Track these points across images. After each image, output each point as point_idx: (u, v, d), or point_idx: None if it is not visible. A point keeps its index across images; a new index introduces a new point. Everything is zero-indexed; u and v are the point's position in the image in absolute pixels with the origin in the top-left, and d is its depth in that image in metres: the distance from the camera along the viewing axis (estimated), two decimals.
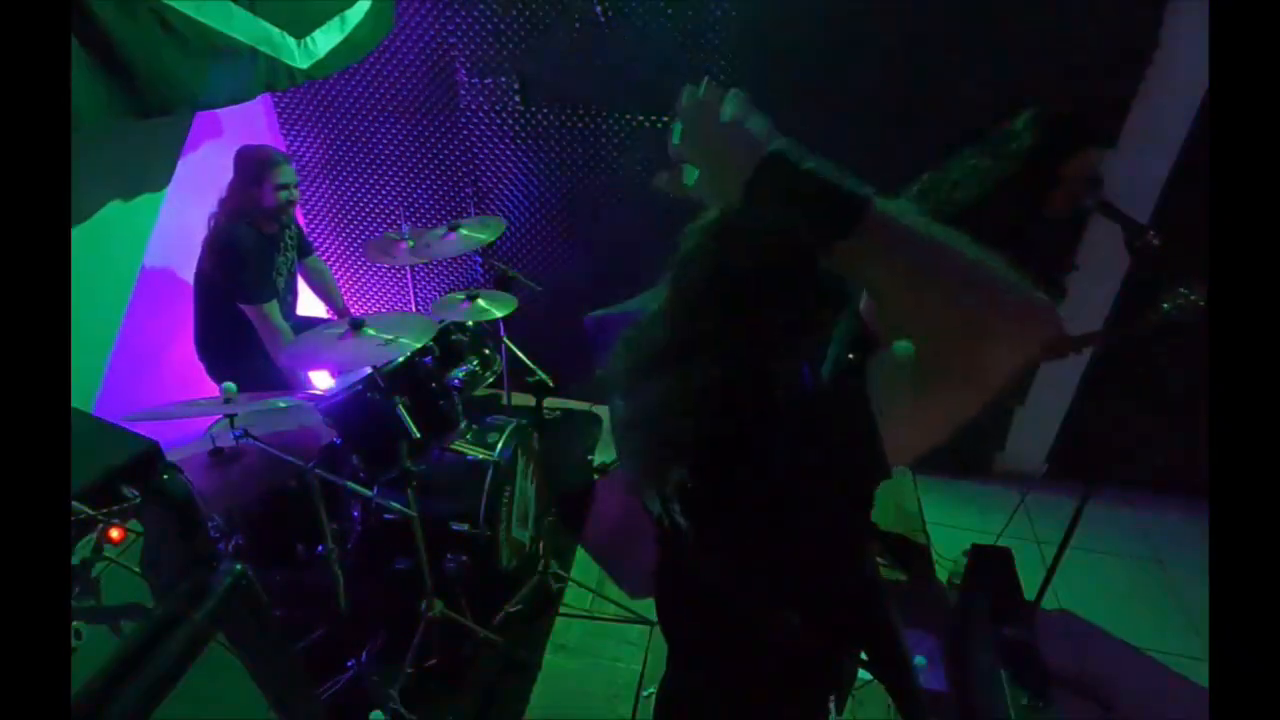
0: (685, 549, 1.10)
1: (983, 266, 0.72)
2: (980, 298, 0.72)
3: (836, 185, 0.75)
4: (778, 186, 0.77)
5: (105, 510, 1.08)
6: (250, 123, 3.06)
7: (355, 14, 2.04)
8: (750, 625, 1.08)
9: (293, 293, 2.77)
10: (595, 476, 3.05)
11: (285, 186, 2.49)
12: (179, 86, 1.55)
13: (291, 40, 1.83)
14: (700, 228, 0.94)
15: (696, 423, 0.92)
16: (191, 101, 1.64)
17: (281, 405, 2.04)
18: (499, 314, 2.48)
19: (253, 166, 2.45)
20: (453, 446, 2.33)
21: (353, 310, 3.54)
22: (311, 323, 2.84)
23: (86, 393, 2.35)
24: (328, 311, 3.10)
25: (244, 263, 2.43)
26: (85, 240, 2.23)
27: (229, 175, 2.51)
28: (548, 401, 2.75)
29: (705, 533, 1.00)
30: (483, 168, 3.07)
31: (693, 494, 0.96)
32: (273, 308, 2.48)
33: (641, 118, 2.80)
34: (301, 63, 1.88)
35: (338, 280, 3.51)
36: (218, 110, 2.88)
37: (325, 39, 1.95)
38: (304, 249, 2.86)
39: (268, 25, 1.74)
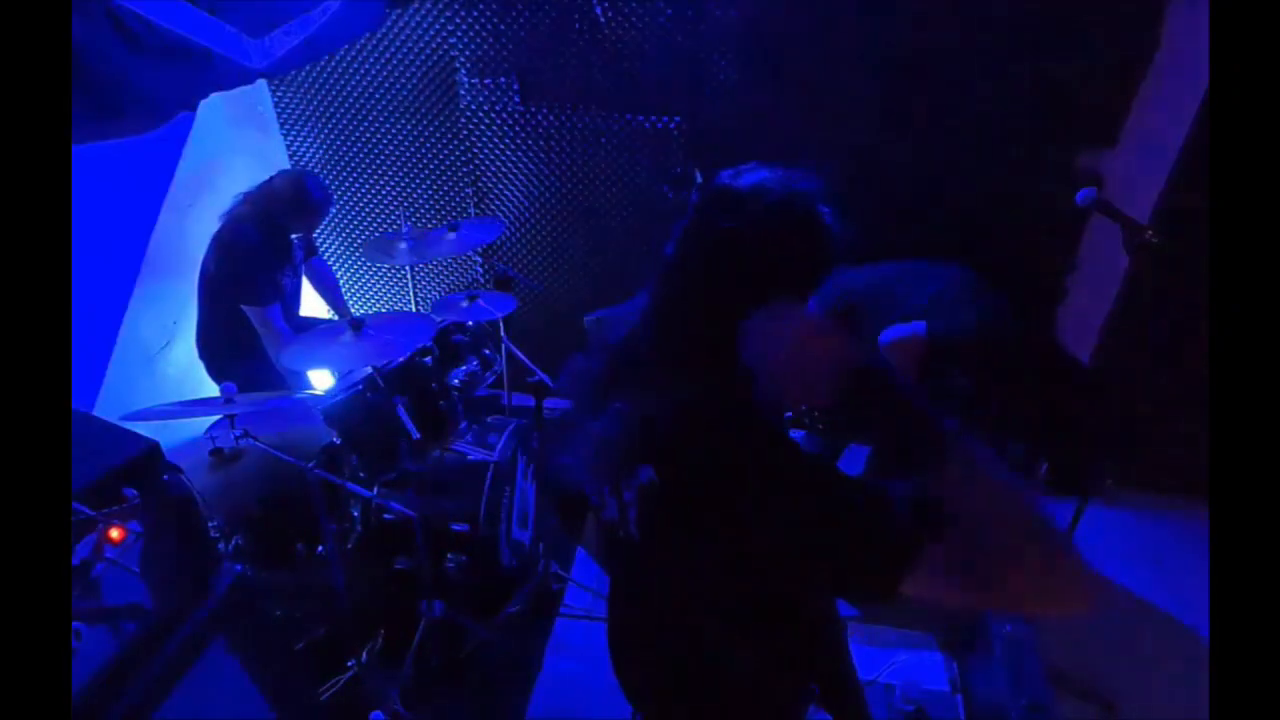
0: (634, 567, 1.07)
1: (1045, 527, 0.74)
2: (1037, 552, 0.73)
3: (926, 412, 0.78)
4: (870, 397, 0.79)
5: (105, 510, 1.08)
6: (251, 123, 3.06)
7: (320, 15, 2.02)
8: (700, 656, 1.05)
9: (298, 294, 2.77)
10: None
11: (311, 231, 2.51)
12: (133, 88, 1.55)
13: (250, 41, 1.82)
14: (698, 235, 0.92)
15: (673, 429, 0.89)
16: (145, 103, 1.64)
17: (281, 405, 2.04)
18: (499, 314, 2.47)
19: (304, 200, 2.45)
20: (453, 446, 2.33)
21: (352, 310, 3.54)
22: (313, 323, 2.84)
23: (86, 393, 2.35)
24: (329, 311, 3.10)
25: (249, 264, 2.42)
26: (85, 240, 2.23)
27: (229, 175, 2.51)
28: (548, 401, 2.74)
29: (659, 545, 0.96)
30: (483, 168, 3.07)
31: (655, 498, 0.92)
32: (275, 311, 2.48)
33: (641, 118, 2.80)
34: (258, 63, 1.86)
35: (339, 279, 3.52)
36: (218, 110, 2.90)
37: (284, 39, 1.93)
38: (310, 249, 2.86)
39: (226, 27, 1.73)
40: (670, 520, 0.91)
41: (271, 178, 2.49)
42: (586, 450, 0.99)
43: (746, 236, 0.86)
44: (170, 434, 1.91)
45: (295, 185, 2.46)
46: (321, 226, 2.57)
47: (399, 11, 2.69)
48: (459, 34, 2.79)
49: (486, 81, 2.85)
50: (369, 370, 2.01)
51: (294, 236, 2.61)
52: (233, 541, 2.08)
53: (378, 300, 3.57)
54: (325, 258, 3.47)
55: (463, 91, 2.90)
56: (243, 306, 2.44)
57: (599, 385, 1.00)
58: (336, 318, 3.04)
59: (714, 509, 0.85)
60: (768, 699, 1.02)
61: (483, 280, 3.36)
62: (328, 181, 3.24)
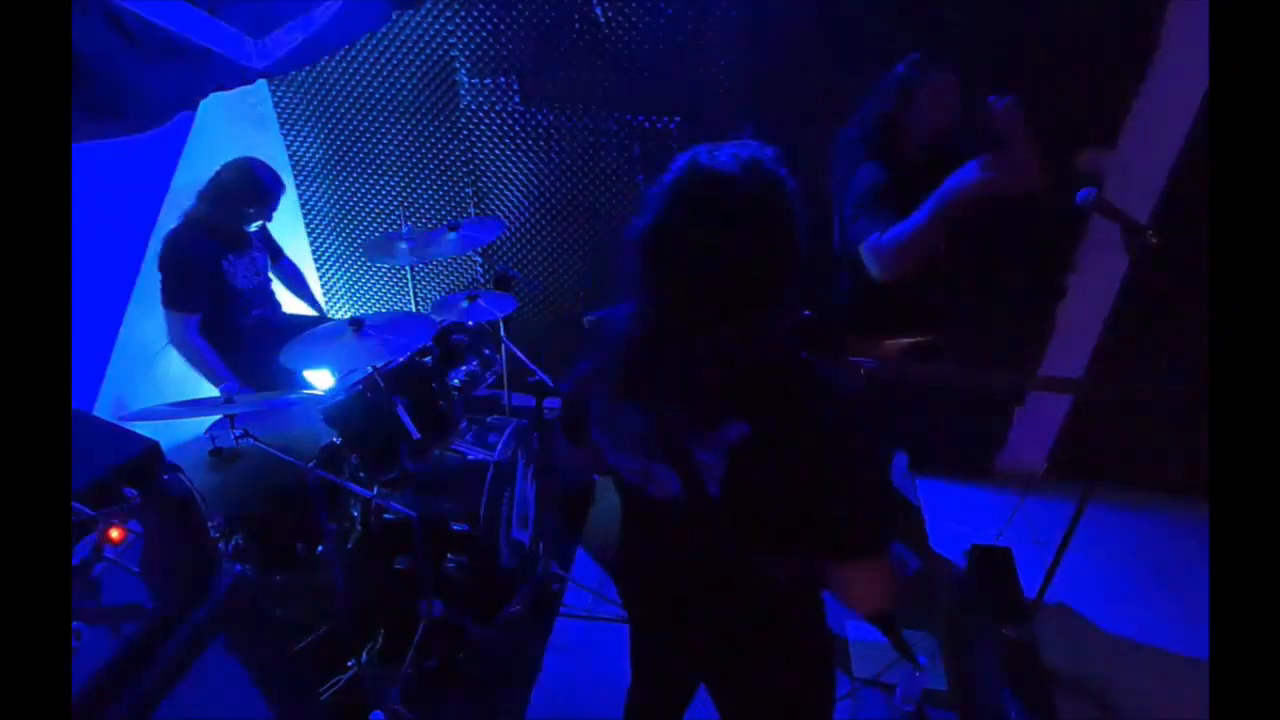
0: (702, 525, 1.11)
1: None
2: None
3: None
4: None
5: (105, 510, 1.08)
6: (251, 123, 3.06)
7: (321, 14, 2.01)
8: (760, 591, 1.16)
9: (263, 293, 2.73)
10: (595, 476, 3.05)
11: (267, 218, 2.50)
12: (133, 88, 1.54)
13: (250, 41, 1.82)
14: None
15: (762, 382, 0.98)
16: (145, 103, 1.64)
17: (281, 405, 2.04)
18: (499, 314, 2.47)
19: (254, 186, 2.44)
20: (453, 446, 2.33)
21: (347, 311, 3.54)
22: (303, 321, 2.83)
23: (86, 393, 2.35)
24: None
25: (175, 266, 2.39)
26: (85, 240, 2.23)
27: None
28: (548, 401, 2.74)
29: (744, 496, 1.03)
30: (483, 168, 3.07)
31: (749, 450, 0.98)
32: (191, 323, 2.43)
33: (641, 118, 2.80)
34: (258, 63, 1.86)
35: (339, 280, 3.51)
36: (218, 110, 2.89)
37: (285, 39, 1.92)
38: (275, 252, 2.84)
39: (225, 26, 1.73)
40: (762, 468, 1.00)
41: (218, 171, 2.46)
42: (628, 432, 1.06)
43: (741, 204, 0.94)
44: (170, 434, 1.91)
45: (243, 173, 2.44)
46: (275, 211, 2.53)
47: (399, 12, 2.69)
48: (459, 34, 2.79)
49: (486, 81, 2.85)
50: (369, 370, 2.01)
51: (252, 232, 2.60)
52: (233, 541, 2.08)
53: (378, 300, 3.57)
54: (324, 257, 3.47)
55: (463, 91, 2.90)
56: (163, 307, 2.41)
57: (623, 376, 1.06)
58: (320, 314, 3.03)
59: (796, 452, 0.97)
60: (806, 612, 1.17)
61: (483, 280, 3.36)
62: (328, 181, 3.25)
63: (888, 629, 1.50)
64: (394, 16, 2.69)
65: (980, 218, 2.14)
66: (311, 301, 3.04)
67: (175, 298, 2.41)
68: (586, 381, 1.12)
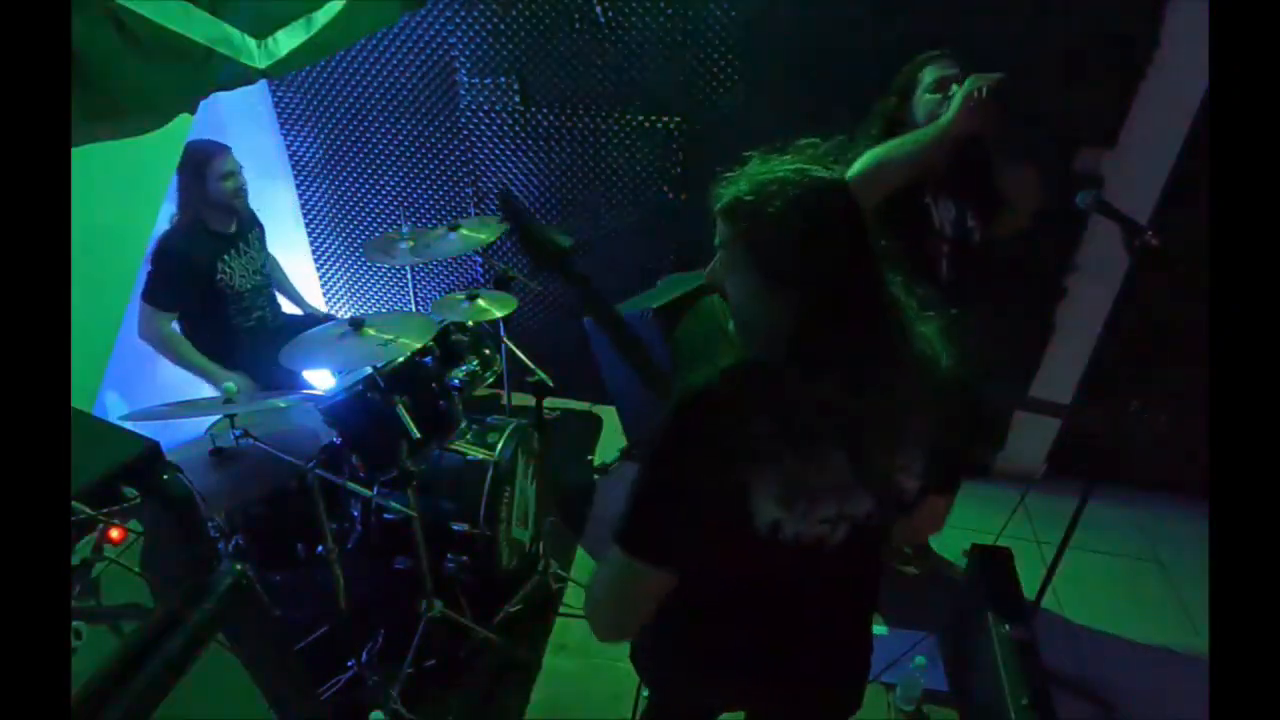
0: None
1: None
2: None
3: None
4: None
5: (105, 510, 1.08)
6: (251, 122, 3.06)
7: (324, 15, 2.00)
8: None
9: (264, 293, 2.72)
10: (595, 476, 3.05)
11: (229, 175, 2.44)
12: (133, 88, 1.54)
13: (252, 41, 1.81)
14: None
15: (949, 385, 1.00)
16: (145, 103, 1.63)
17: (281, 405, 2.04)
18: (499, 314, 2.47)
19: (192, 165, 2.40)
20: (452, 446, 2.33)
21: (347, 311, 3.54)
22: (303, 321, 2.83)
23: (86, 393, 2.35)
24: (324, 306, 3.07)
25: (164, 265, 2.39)
26: (85, 240, 2.22)
27: None
28: (548, 401, 2.74)
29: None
30: (483, 168, 3.07)
31: (947, 453, 1.03)
32: (161, 316, 2.42)
33: (641, 118, 2.80)
34: (260, 63, 1.85)
35: (339, 280, 3.51)
36: (219, 109, 2.89)
37: (288, 39, 1.91)
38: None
39: (227, 27, 1.72)
40: (944, 471, 1.08)
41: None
42: (832, 483, 0.97)
43: (853, 206, 0.95)
44: (170, 434, 1.90)
45: (183, 155, 2.42)
46: (235, 169, 2.45)
47: (402, 13, 2.69)
48: (459, 34, 2.79)
49: (486, 81, 2.86)
50: (369, 370, 2.01)
51: (248, 231, 2.57)
52: (233, 541, 2.08)
53: (378, 300, 3.58)
54: (324, 257, 3.47)
55: (463, 91, 2.90)
56: (140, 299, 2.39)
57: (817, 432, 0.94)
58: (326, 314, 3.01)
59: (968, 411, 1.10)
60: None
61: (483, 280, 3.36)
62: (327, 181, 3.24)
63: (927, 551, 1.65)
64: (396, 17, 2.69)
65: (978, 217, 2.14)
66: (295, 302, 3.02)
67: (154, 293, 2.40)
68: (734, 468, 0.95)
